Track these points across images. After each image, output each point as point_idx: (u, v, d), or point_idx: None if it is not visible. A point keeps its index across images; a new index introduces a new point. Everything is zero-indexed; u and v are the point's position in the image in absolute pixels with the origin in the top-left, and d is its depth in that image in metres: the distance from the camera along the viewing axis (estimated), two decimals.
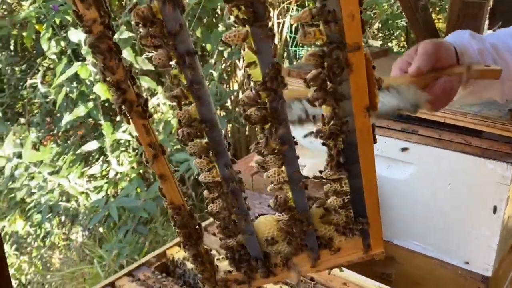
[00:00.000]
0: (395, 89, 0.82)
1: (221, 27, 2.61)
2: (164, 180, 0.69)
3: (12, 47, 3.17)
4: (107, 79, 0.61)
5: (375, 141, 0.68)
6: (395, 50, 3.93)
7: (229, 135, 3.22)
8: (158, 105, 2.81)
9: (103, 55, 0.59)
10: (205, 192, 0.72)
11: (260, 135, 0.67)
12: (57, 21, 2.56)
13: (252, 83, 0.63)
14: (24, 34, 2.74)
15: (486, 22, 2.56)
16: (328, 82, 0.63)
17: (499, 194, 1.29)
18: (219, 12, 2.89)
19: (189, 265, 1.25)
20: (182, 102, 0.64)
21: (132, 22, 2.52)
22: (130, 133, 2.83)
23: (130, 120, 0.64)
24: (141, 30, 0.59)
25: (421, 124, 1.38)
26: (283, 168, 0.69)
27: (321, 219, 0.75)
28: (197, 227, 0.76)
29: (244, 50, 0.62)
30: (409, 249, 1.48)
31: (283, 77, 0.61)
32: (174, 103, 0.64)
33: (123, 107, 0.62)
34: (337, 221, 0.74)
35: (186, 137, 0.66)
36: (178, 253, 1.28)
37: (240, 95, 3.21)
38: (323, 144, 0.68)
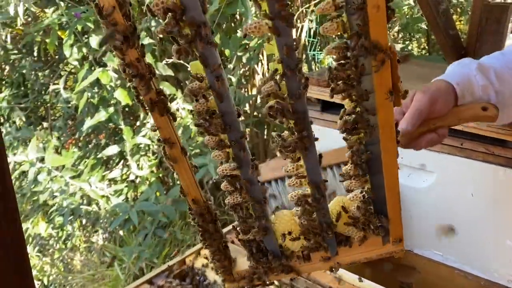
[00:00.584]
0: None
1: (239, 33, 2.61)
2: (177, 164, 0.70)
3: (35, 53, 3.24)
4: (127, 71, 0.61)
5: (398, 141, 0.67)
6: (415, 52, 3.88)
7: (247, 139, 3.23)
8: (178, 110, 2.84)
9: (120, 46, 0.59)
10: (223, 185, 0.73)
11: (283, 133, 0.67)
12: (79, 27, 2.60)
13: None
14: (47, 40, 2.79)
15: (510, 25, 2.51)
16: (351, 76, 0.62)
17: None
18: (238, 17, 2.90)
19: (209, 272, 1.26)
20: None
21: (153, 29, 2.55)
22: (150, 138, 2.86)
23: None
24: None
25: None
26: (302, 162, 0.69)
27: (340, 215, 0.74)
28: (215, 223, 0.77)
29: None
30: (430, 258, 1.46)
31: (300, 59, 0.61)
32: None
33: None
34: (357, 217, 0.74)
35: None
36: (198, 261, 1.29)
37: (259, 100, 3.21)
38: (344, 139, 0.68)
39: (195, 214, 0.75)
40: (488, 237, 1.33)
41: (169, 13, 0.56)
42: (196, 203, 0.74)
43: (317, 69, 3.47)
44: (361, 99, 0.63)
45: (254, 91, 3.21)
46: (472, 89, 0.86)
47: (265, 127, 3.20)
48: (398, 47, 3.62)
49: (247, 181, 0.70)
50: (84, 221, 3.22)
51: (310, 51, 3.37)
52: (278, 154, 0.69)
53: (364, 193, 0.72)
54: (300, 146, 0.66)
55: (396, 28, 3.81)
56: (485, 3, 2.29)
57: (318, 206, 0.72)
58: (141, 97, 0.64)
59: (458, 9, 4.11)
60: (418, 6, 2.71)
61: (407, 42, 3.93)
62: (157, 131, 0.68)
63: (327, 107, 1.57)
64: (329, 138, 1.10)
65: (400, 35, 4.09)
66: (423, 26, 3.44)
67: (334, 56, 0.62)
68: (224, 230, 1.41)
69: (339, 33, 0.62)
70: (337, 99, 1.31)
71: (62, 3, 2.72)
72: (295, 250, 0.78)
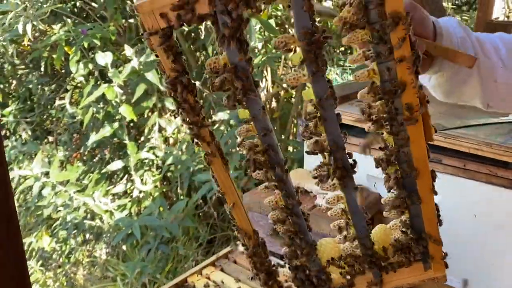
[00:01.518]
0: None
1: None
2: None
3: (42, 68, 3.28)
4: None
5: (433, 178, 0.71)
6: None
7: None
8: (182, 125, 2.86)
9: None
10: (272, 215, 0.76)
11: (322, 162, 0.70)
12: (86, 44, 2.64)
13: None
14: (54, 56, 2.83)
15: None
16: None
17: None
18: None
19: None
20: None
21: None
22: (153, 153, 2.88)
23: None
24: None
25: (445, 153, 1.37)
26: (341, 193, 0.71)
27: (382, 242, 0.77)
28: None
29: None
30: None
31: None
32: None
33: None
34: (399, 243, 0.77)
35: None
36: (199, 281, 1.29)
37: None
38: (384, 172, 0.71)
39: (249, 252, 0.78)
40: (491, 258, 1.33)
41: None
42: (250, 238, 0.77)
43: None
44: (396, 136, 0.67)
45: None
46: (451, 38, 0.80)
47: None
48: None
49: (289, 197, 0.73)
50: (87, 235, 3.23)
51: None
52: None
53: (404, 221, 0.75)
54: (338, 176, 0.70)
55: None
56: (488, 21, 2.32)
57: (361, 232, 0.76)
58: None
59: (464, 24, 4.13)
60: None
61: None
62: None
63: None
64: None
65: None
66: None
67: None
68: (226, 249, 1.42)
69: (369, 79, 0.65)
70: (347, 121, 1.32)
71: (69, 20, 2.76)
72: (339, 276, 0.80)
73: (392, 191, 0.72)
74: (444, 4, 3.22)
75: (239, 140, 0.70)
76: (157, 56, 0.63)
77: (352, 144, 1.53)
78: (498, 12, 3.46)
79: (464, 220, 1.36)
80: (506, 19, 3.88)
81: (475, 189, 1.32)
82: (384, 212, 0.75)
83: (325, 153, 0.68)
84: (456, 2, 4.37)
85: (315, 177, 0.71)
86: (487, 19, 2.36)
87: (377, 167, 0.71)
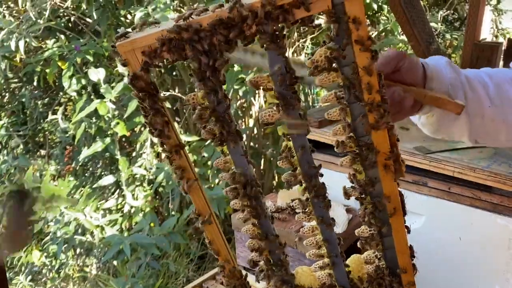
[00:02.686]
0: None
1: (236, 67, 2.66)
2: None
3: (35, 82, 3.29)
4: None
5: (404, 213, 0.72)
6: None
7: None
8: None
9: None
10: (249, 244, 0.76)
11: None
12: (78, 60, 2.65)
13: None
14: (47, 70, 2.84)
15: (501, 63, 2.56)
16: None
17: (511, 250, 1.28)
18: None
19: None
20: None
21: None
22: (145, 168, 2.88)
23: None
24: None
25: (430, 176, 1.39)
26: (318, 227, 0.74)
27: (357, 272, 0.78)
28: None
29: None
30: None
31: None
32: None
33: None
34: (371, 276, 0.78)
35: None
36: (213, 286, 1.30)
37: (255, 132, 3.24)
38: (358, 199, 0.73)
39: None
40: (476, 281, 1.34)
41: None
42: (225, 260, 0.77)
43: (312, 99, 3.52)
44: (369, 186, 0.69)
45: (251, 123, 3.24)
46: (441, 80, 0.82)
47: (262, 158, 3.22)
48: None
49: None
50: (78, 250, 3.21)
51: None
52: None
53: (376, 253, 0.77)
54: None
55: None
56: (476, 42, 2.35)
57: (336, 261, 0.76)
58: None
59: (454, 43, 4.19)
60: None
61: None
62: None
63: (316, 146, 1.59)
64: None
65: None
66: None
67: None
68: (213, 271, 1.42)
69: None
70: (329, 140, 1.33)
71: (62, 36, 2.78)
72: None
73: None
74: (434, 24, 3.27)
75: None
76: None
77: (329, 163, 1.55)
78: (485, 33, 3.51)
79: (449, 242, 1.37)
80: (494, 39, 3.94)
81: (460, 212, 1.33)
82: (358, 243, 0.76)
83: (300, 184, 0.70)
84: (449, 18, 4.43)
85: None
86: (475, 39, 2.39)
87: (347, 198, 0.72)
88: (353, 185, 0.71)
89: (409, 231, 0.77)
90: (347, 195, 0.72)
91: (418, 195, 1.41)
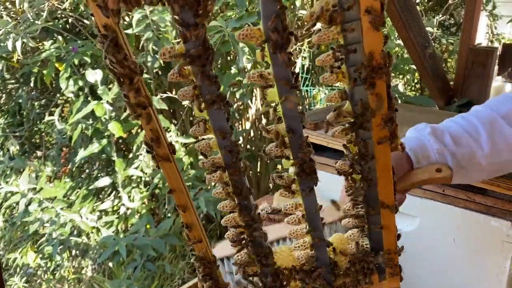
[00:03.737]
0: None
1: (233, 70, 2.67)
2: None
3: (32, 83, 3.29)
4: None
5: (395, 182, 0.71)
6: (401, 89, 3.95)
7: None
8: (171, 142, 2.87)
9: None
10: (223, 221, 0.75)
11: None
12: (76, 61, 2.66)
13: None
14: (45, 71, 2.84)
15: (496, 68, 2.59)
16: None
17: (504, 252, 1.29)
18: (232, 55, 2.97)
19: None
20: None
21: (149, 64, 2.61)
22: (142, 170, 2.88)
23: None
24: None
25: None
26: (299, 200, 0.72)
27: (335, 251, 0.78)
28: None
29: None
30: None
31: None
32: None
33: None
34: (354, 255, 0.77)
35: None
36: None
37: (252, 134, 3.25)
38: (346, 179, 0.72)
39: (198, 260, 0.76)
40: (469, 284, 1.35)
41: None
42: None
43: (309, 102, 3.53)
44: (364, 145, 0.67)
45: (248, 125, 3.25)
46: (428, 154, 0.87)
47: (258, 160, 3.23)
48: None
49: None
50: (73, 252, 3.20)
51: (303, 86, 3.43)
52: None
53: (362, 232, 0.76)
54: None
55: None
56: (471, 47, 2.37)
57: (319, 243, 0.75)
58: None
59: (450, 47, 4.21)
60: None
61: (396, 81, 4.01)
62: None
63: (316, 149, 1.60)
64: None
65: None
66: (413, 66, 3.53)
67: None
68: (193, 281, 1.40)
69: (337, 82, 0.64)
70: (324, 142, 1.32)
71: (60, 37, 2.78)
72: (296, 283, 0.79)
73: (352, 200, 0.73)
74: (430, 29, 3.30)
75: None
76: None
77: (325, 165, 1.55)
78: (481, 38, 3.55)
79: (443, 244, 1.38)
80: (489, 44, 3.98)
81: (454, 214, 1.34)
82: (342, 221, 0.75)
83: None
84: (446, 23, 4.46)
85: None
86: (471, 44, 2.42)
87: (339, 174, 0.71)
88: (345, 157, 0.70)
89: (399, 238, 0.78)
90: (339, 172, 0.71)
91: (412, 197, 1.42)
